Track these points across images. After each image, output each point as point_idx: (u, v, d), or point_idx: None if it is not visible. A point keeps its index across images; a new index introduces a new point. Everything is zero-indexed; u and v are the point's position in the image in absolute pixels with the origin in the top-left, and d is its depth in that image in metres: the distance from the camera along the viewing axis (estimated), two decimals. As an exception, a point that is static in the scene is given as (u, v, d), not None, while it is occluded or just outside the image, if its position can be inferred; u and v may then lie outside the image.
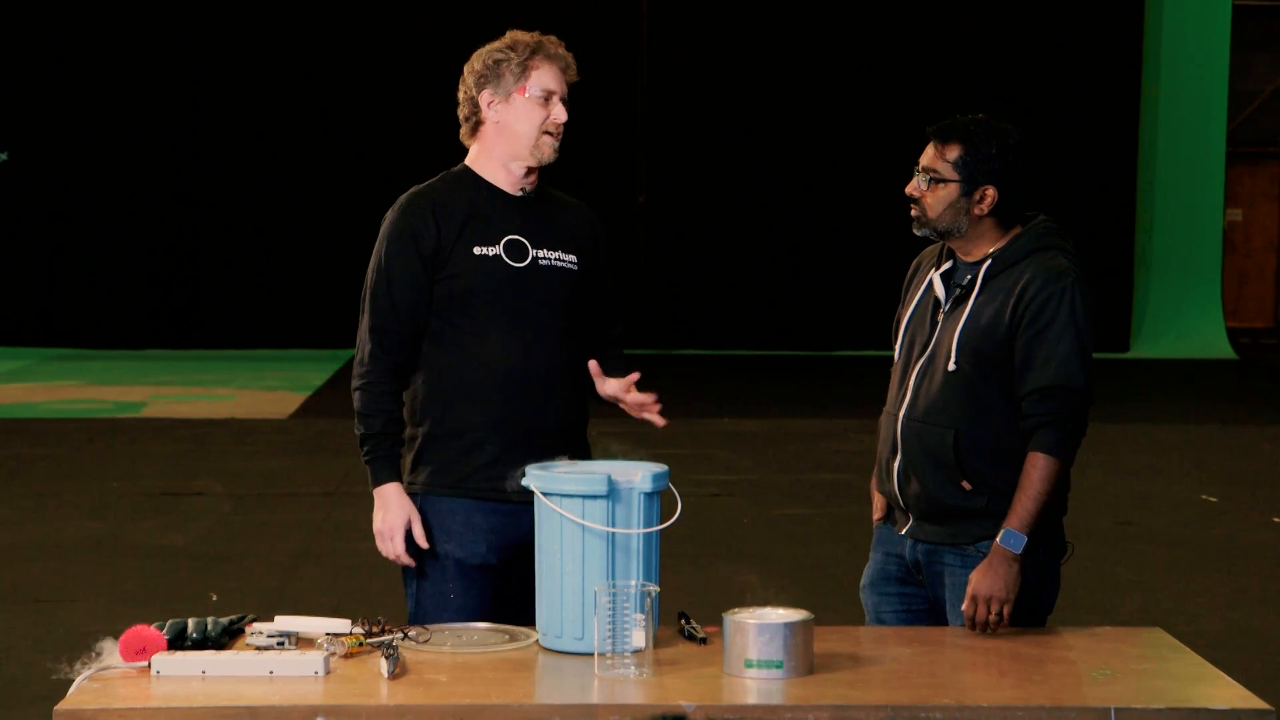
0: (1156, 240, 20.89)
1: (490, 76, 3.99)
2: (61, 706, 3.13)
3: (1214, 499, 10.45)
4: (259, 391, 15.78)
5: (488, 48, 4.04)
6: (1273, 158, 22.62)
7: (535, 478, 3.56)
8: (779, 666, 3.28)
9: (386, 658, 3.33)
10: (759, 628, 3.28)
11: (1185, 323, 20.71)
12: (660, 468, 3.59)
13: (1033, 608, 3.83)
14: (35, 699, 5.89)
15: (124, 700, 3.16)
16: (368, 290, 4.05)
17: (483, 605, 3.95)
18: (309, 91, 19.30)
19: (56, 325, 19.31)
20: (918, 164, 3.91)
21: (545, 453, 3.83)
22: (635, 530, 3.50)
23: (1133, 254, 20.63)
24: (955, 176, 3.85)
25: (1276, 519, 9.85)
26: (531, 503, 3.92)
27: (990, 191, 3.86)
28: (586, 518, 3.48)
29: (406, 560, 3.96)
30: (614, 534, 3.49)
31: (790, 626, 3.29)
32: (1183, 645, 3.63)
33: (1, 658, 6.59)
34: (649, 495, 3.52)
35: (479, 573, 3.97)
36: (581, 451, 4.05)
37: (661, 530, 3.56)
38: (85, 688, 3.23)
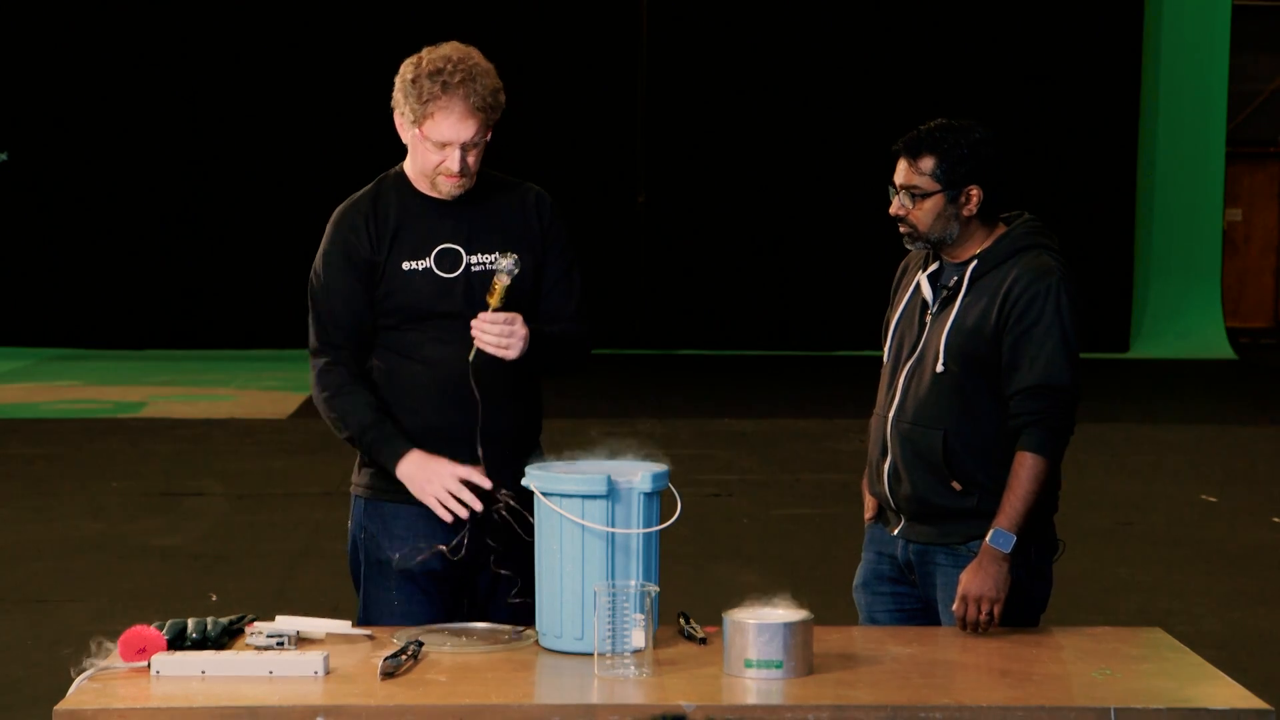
0: (1156, 240, 20.88)
1: (398, 103, 3.89)
2: (61, 706, 3.12)
3: (1214, 499, 10.45)
4: (259, 391, 15.78)
5: (404, 68, 3.88)
6: (1273, 158, 22.61)
7: (535, 478, 3.56)
8: (779, 666, 3.28)
9: (387, 658, 3.33)
10: (759, 628, 3.28)
11: (1185, 323, 20.70)
12: (660, 468, 3.59)
13: (1026, 606, 3.83)
14: (35, 699, 5.89)
15: (124, 700, 3.16)
16: (310, 306, 3.99)
17: (429, 611, 3.89)
18: (308, 92, 19.29)
19: (56, 325, 19.30)
20: (892, 183, 3.90)
21: (490, 459, 3.80)
22: (635, 530, 3.50)
23: (1133, 254, 20.62)
24: (937, 186, 3.85)
25: (1276, 519, 9.84)
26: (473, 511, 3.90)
27: (974, 191, 3.86)
28: (586, 518, 3.48)
29: (475, 503, 3.79)
30: (614, 534, 3.49)
31: (790, 626, 3.29)
32: (1183, 645, 3.63)
33: (1, 658, 6.59)
34: (649, 495, 3.52)
35: (425, 579, 3.91)
36: (534, 456, 3.93)
37: (661, 530, 3.56)
38: (85, 688, 3.23)
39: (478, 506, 3.83)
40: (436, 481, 3.84)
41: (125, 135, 19.21)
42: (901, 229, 3.92)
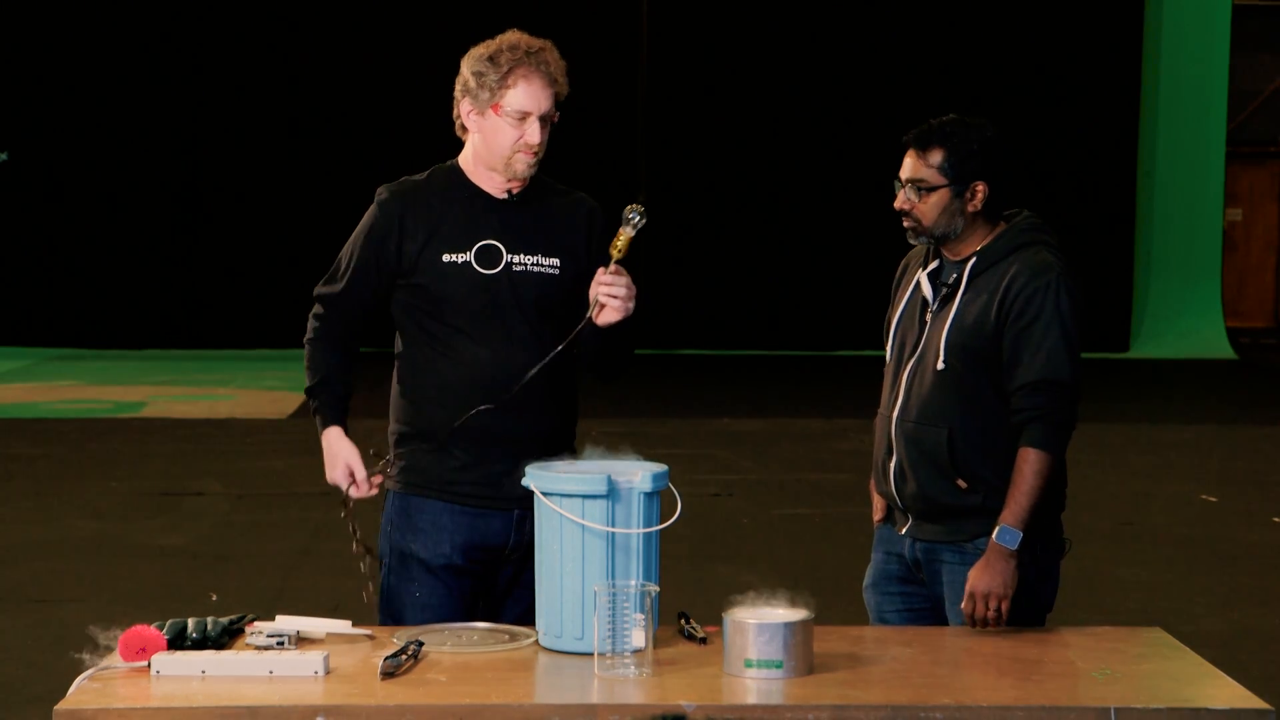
0: (1156, 240, 20.88)
1: (470, 87, 3.94)
2: (61, 706, 3.12)
3: (1214, 499, 10.45)
4: (259, 391, 15.78)
5: (475, 52, 3.97)
6: (1273, 158, 22.62)
7: (535, 478, 3.56)
8: (779, 666, 3.27)
9: (387, 658, 3.33)
10: (759, 628, 3.28)
11: (1185, 323, 20.70)
12: (660, 468, 3.58)
13: (1033, 605, 3.84)
14: (35, 699, 5.89)
15: (124, 700, 3.16)
16: (338, 259, 4.09)
17: (449, 605, 3.93)
18: (309, 92, 19.30)
19: (56, 325, 19.30)
20: (899, 177, 3.90)
21: (519, 459, 3.80)
22: (635, 530, 3.50)
23: (1133, 254, 20.62)
24: (944, 180, 3.86)
25: (1276, 519, 9.84)
26: (499, 507, 3.94)
27: (980, 187, 3.87)
28: (586, 518, 3.48)
29: (363, 491, 4.00)
30: (614, 534, 3.48)
31: (790, 626, 3.29)
32: (1183, 645, 3.63)
33: (1, 658, 6.59)
34: (649, 495, 3.52)
35: (445, 573, 3.95)
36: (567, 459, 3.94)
37: (661, 530, 3.56)
38: (85, 688, 3.23)
39: (357, 494, 4.01)
40: (335, 465, 4.01)
41: (125, 135, 19.21)
42: (906, 223, 3.93)
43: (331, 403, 4.03)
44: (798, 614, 3.34)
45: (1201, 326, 20.69)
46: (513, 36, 3.98)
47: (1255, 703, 3.19)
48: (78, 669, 3.31)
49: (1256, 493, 10.67)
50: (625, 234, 3.85)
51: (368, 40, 19.32)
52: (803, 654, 3.30)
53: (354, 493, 4.01)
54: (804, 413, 14.39)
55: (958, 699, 3.18)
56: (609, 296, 3.85)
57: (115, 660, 3.34)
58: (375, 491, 4.02)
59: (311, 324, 4.09)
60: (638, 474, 3.52)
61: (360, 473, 3.99)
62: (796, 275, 20.01)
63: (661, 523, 3.57)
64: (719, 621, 3.37)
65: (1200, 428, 13.84)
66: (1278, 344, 21.91)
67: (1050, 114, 19.71)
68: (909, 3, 19.87)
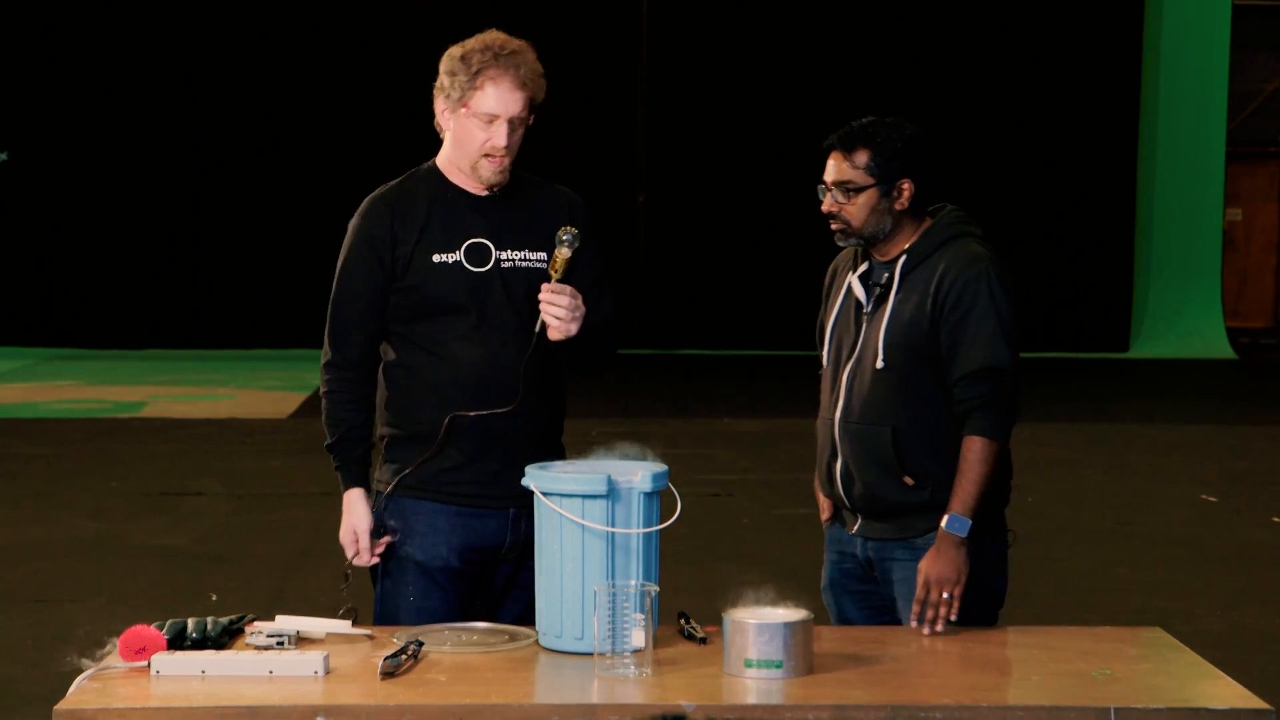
0: (1156, 240, 20.88)
1: (444, 86, 3.92)
2: (61, 706, 3.12)
3: (1214, 499, 10.45)
4: (259, 391, 15.78)
5: (452, 50, 3.94)
6: (1273, 158, 22.62)
7: (535, 477, 3.56)
8: (779, 666, 3.28)
9: (387, 657, 3.33)
10: (759, 628, 3.28)
11: (1185, 323, 20.70)
12: (660, 468, 3.59)
13: (985, 598, 3.85)
14: (35, 699, 5.89)
15: (124, 700, 3.16)
16: (332, 294, 4.03)
17: (445, 608, 3.91)
18: (308, 92, 19.30)
19: (56, 325, 19.31)
20: (823, 182, 3.92)
21: (513, 458, 3.80)
22: (635, 530, 3.50)
23: (1133, 254, 20.62)
24: (870, 180, 3.88)
25: (1276, 519, 9.84)
26: (495, 507, 3.94)
27: (906, 185, 3.90)
28: (586, 518, 3.48)
29: (364, 561, 3.98)
30: (614, 534, 3.48)
31: (790, 626, 3.29)
32: (1183, 645, 3.63)
33: (1, 658, 6.59)
34: (649, 495, 3.52)
35: (441, 575, 3.94)
36: (555, 455, 3.94)
37: (661, 530, 3.56)
38: (85, 687, 3.23)
39: (359, 562, 3.97)
40: (346, 529, 3.98)
41: (125, 135, 19.21)
42: (834, 226, 3.95)
43: (350, 463, 3.99)
44: (798, 614, 3.34)
45: (1201, 326, 20.69)
46: (489, 36, 3.95)
47: (1255, 703, 3.19)
48: (78, 669, 3.31)
49: (1256, 493, 10.67)
50: (561, 254, 3.87)
51: (368, 41, 19.32)
52: (803, 654, 3.31)
53: (357, 561, 3.97)
54: (804, 413, 14.31)
55: (958, 699, 3.18)
56: (550, 315, 3.85)
57: (115, 660, 3.34)
58: (375, 560, 3.99)
59: (325, 375, 4.02)
60: (638, 474, 3.52)
61: (364, 542, 3.95)
62: (796, 275, 19.97)
63: (661, 523, 3.57)
64: (719, 621, 3.37)
65: (1200, 428, 13.83)
66: (1278, 344, 21.91)
67: (1050, 114, 19.71)
68: (910, 3, 19.87)
